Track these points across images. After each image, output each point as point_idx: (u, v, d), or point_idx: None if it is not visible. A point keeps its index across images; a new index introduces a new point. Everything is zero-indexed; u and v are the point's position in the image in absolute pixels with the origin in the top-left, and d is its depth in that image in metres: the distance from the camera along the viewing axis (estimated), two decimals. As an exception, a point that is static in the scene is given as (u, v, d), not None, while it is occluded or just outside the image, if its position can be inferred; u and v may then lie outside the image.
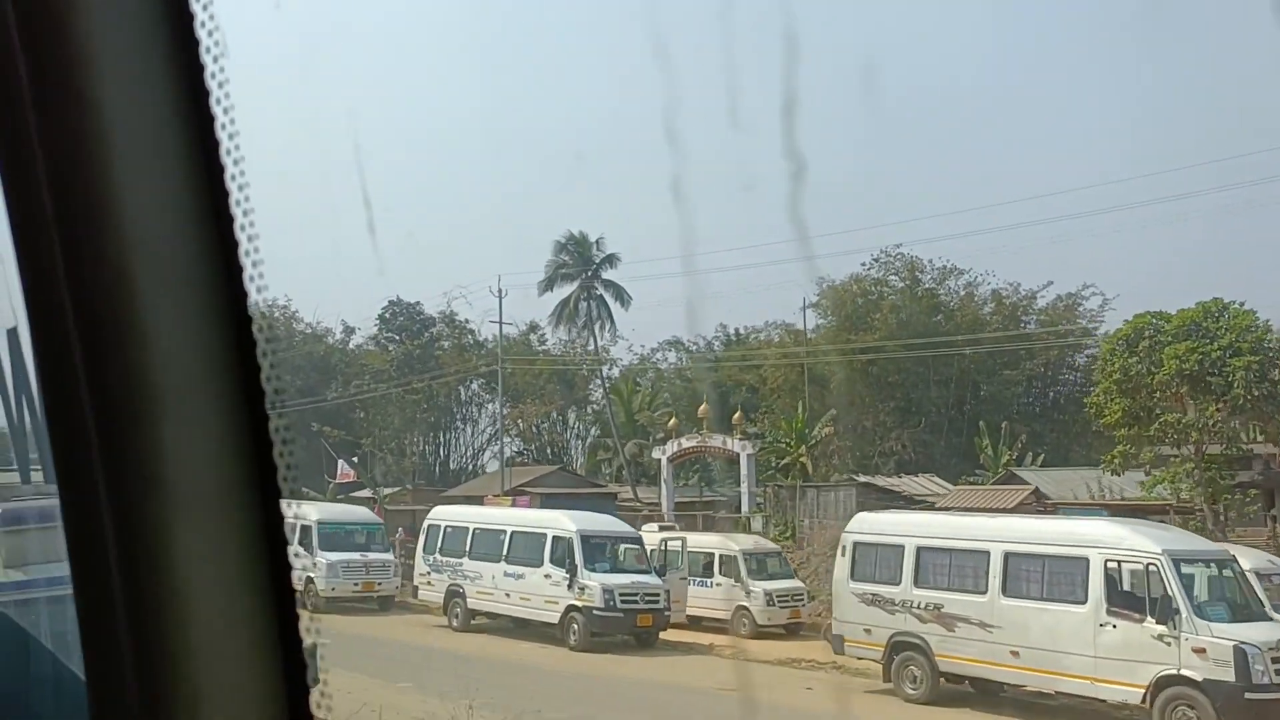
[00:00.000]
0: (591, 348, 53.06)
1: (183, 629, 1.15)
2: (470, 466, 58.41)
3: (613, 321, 51.24)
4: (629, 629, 23.54)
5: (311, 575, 28.14)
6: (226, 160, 1.20)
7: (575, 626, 23.45)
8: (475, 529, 27.10)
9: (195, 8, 1.19)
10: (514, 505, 35.16)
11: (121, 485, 1.14)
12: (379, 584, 29.24)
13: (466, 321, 57.61)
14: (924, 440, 44.09)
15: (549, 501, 34.93)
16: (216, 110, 1.20)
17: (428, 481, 51.98)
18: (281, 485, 1.22)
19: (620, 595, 23.36)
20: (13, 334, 2.24)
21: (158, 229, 1.17)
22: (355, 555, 29.14)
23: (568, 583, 23.69)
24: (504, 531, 26.25)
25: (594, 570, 23.82)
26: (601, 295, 50.44)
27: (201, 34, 1.19)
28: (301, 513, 29.85)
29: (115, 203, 1.14)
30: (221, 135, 1.20)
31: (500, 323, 49.42)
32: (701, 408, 39.29)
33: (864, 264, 46.81)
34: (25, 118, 1.15)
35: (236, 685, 1.19)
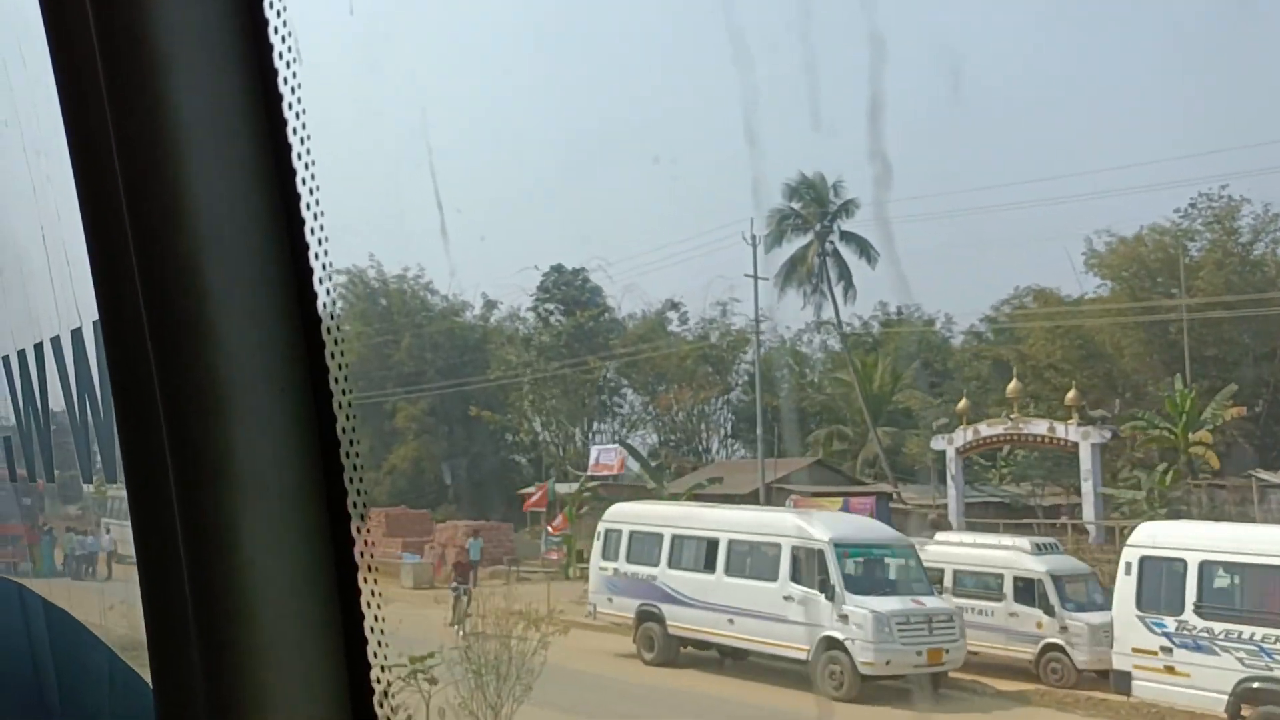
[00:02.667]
0: (829, 313, 51.84)
1: (250, 629, 1.37)
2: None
3: (852, 284, 49.91)
4: None
5: (836, 636, 20.49)
6: (298, 164, 1.42)
7: None
8: None
9: (269, 14, 1.41)
10: (844, 510, 31.44)
11: (191, 484, 1.37)
12: (946, 651, 20.66)
13: (606, 297, 58.23)
14: (1244, 426, 41.75)
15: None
16: (289, 115, 1.42)
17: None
18: (348, 485, 1.44)
19: None
20: (76, 334, 2.57)
21: (229, 231, 1.39)
22: (910, 603, 20.82)
23: None
24: None
25: None
26: (838, 250, 49.13)
27: (275, 39, 1.41)
28: (795, 527, 22.69)
29: (188, 205, 1.37)
30: (293, 139, 1.42)
31: (755, 277, 47.11)
32: (1011, 385, 36.43)
33: (1177, 210, 44.66)
34: (100, 121, 1.39)
35: (302, 686, 1.40)
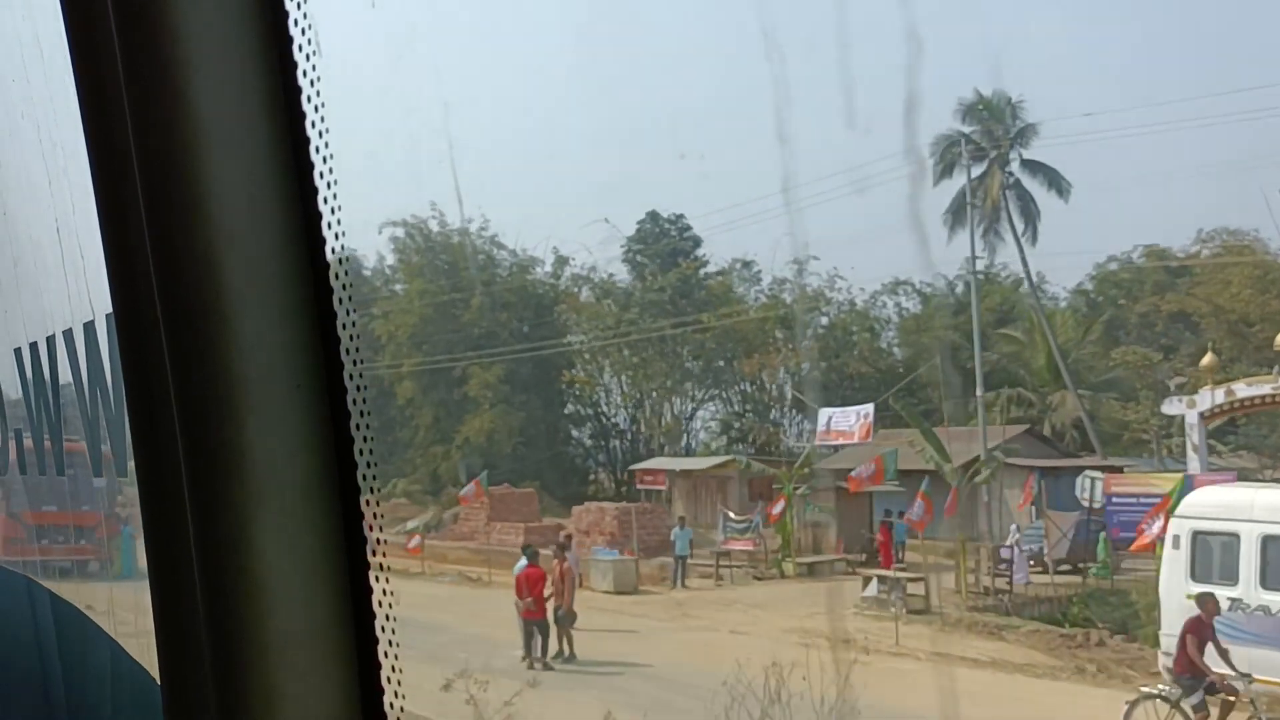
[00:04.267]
0: (1015, 255, 48.27)
1: (261, 626, 1.47)
2: (683, 434, 56.43)
3: (1034, 224, 45.75)
4: None
5: None
6: (315, 158, 1.50)
7: None
8: None
9: (289, 6, 1.49)
10: (1187, 489, 24.23)
11: (202, 479, 1.47)
12: None
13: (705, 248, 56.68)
14: None
15: (1054, 480, 30.12)
16: (307, 108, 1.50)
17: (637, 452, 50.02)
18: (361, 483, 1.53)
19: None
20: (89, 327, 2.68)
21: (246, 225, 1.48)
22: None
23: None
24: None
25: None
26: (1019, 181, 44.66)
27: (295, 32, 1.49)
28: None
29: (205, 199, 1.46)
30: (311, 133, 1.50)
31: (970, 204, 43.49)
32: (1282, 338, 31.38)
33: None
34: (119, 113, 1.49)
35: (313, 685, 1.50)
